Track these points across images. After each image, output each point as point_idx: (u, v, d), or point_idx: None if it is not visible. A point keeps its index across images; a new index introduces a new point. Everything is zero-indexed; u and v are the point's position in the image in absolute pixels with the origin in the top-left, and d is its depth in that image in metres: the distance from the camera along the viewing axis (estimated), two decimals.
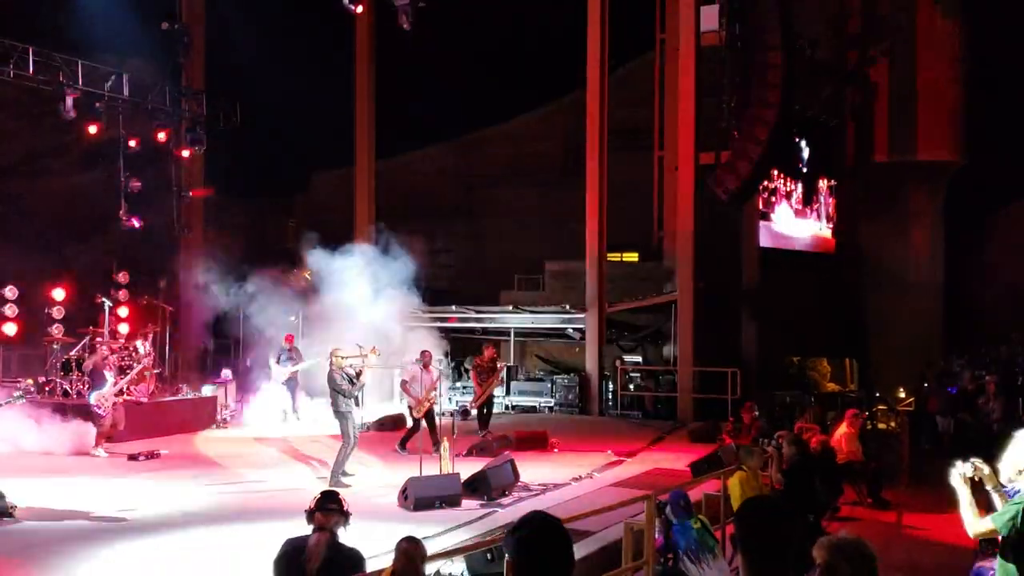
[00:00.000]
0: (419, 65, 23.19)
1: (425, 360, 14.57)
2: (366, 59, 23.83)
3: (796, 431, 13.08)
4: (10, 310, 17.50)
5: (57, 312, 17.68)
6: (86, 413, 14.78)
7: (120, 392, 14.66)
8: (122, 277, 19.44)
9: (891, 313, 26.28)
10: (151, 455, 13.95)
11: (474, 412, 16.66)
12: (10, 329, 17.35)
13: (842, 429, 13.68)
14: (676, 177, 21.39)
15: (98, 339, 16.65)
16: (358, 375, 12.42)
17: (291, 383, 17.96)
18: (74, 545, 9.23)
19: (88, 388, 14.85)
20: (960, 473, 5.39)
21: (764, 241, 24.43)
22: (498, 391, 18.80)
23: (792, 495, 9.93)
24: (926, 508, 12.75)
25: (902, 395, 21.21)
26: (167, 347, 18.94)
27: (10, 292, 17.51)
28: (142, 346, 17.15)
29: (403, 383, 14.80)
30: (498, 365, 16.82)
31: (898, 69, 27.19)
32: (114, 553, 8.97)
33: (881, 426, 17.69)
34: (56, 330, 17.19)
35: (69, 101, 17.30)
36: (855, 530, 11.08)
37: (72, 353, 16.65)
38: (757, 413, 15.44)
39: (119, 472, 13.04)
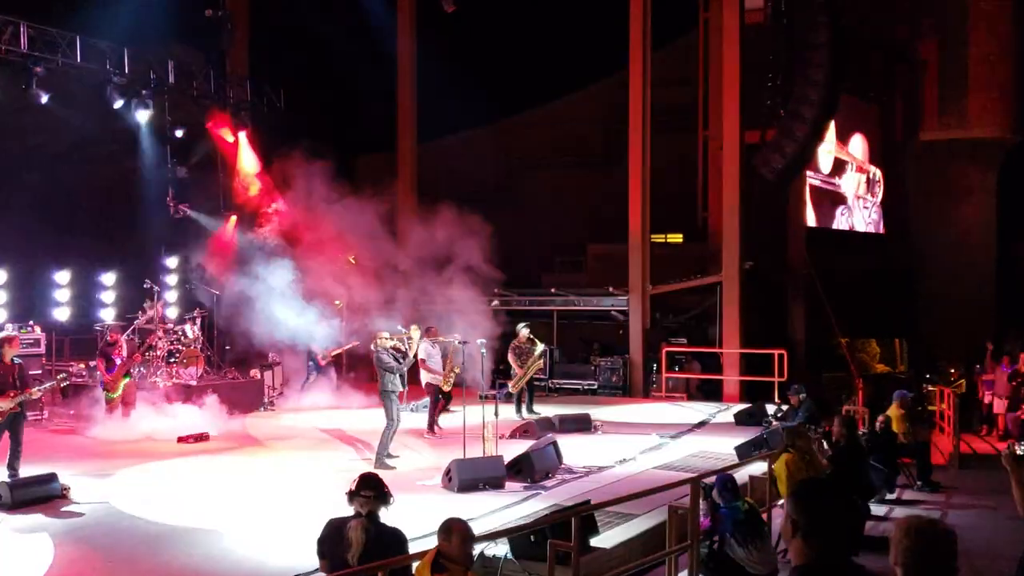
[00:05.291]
0: (461, 47, 23.12)
1: (432, 334, 14.73)
2: (408, 42, 23.84)
3: (843, 413, 12.92)
4: (61, 295, 17.81)
5: (107, 297, 17.96)
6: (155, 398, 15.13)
7: (128, 373, 14.79)
8: (170, 262, 19.71)
9: (942, 293, 25.83)
10: (199, 438, 14.11)
11: (514, 394, 16.66)
12: (62, 314, 17.66)
13: (892, 410, 13.48)
14: (721, 157, 21.13)
15: (148, 323, 16.88)
16: (404, 355, 12.65)
17: (330, 366, 18.30)
18: (123, 524, 9.40)
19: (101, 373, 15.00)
20: (1011, 454, 5.26)
21: (811, 220, 24.13)
22: (540, 374, 18.73)
23: (840, 478, 9.78)
24: (976, 490, 12.54)
25: (951, 372, 20.84)
26: (215, 331, 19.14)
27: (61, 278, 17.82)
28: (190, 330, 17.38)
29: (421, 361, 14.87)
30: (536, 345, 16.76)
31: (948, 45, 26.61)
32: (161, 532, 9.10)
33: (931, 407, 17.42)
34: (106, 315, 17.44)
35: (114, 89, 17.52)
36: (903, 512, 10.93)
37: (122, 337, 16.90)
38: (804, 395, 15.25)
39: (168, 454, 13.20)
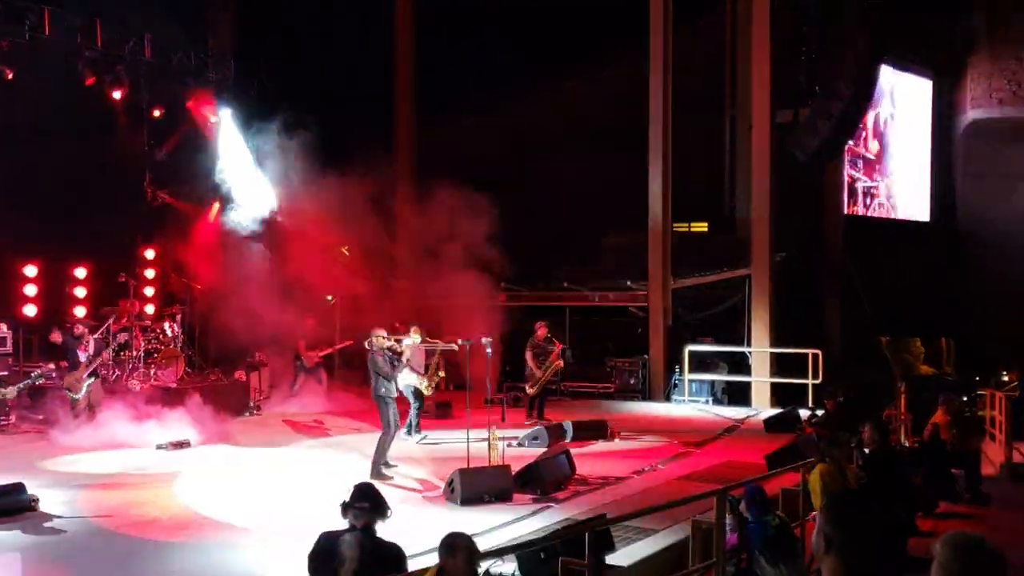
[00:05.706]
0: (466, 27, 23.06)
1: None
2: (408, 21, 23.82)
3: (884, 418, 12.87)
4: (29, 290, 17.79)
5: (79, 292, 17.94)
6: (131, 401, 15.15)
7: (93, 373, 14.82)
8: (148, 254, 19.68)
9: (992, 287, 25.73)
10: (179, 445, 14.09)
11: (531, 396, 16.69)
12: (30, 310, 17.65)
13: (938, 416, 13.42)
14: (750, 138, 21.06)
15: (125, 320, 16.91)
16: (399, 359, 12.76)
17: (319, 367, 18.42)
18: (95, 538, 9.40)
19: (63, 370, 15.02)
20: None
21: (849, 208, 24.07)
22: (554, 376, 18.73)
23: (875, 488, 9.70)
24: None
25: (1005, 379, 20.73)
26: (196, 328, 19.14)
27: (30, 271, 17.79)
28: (169, 328, 17.39)
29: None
30: (555, 344, 16.82)
31: (997, 14, 26.48)
32: (137, 547, 9.10)
33: (981, 413, 17.32)
34: (78, 311, 17.44)
35: (86, 65, 17.50)
36: (950, 527, 10.87)
37: (95, 336, 16.91)
38: (841, 399, 15.21)
39: (146, 463, 13.19)
